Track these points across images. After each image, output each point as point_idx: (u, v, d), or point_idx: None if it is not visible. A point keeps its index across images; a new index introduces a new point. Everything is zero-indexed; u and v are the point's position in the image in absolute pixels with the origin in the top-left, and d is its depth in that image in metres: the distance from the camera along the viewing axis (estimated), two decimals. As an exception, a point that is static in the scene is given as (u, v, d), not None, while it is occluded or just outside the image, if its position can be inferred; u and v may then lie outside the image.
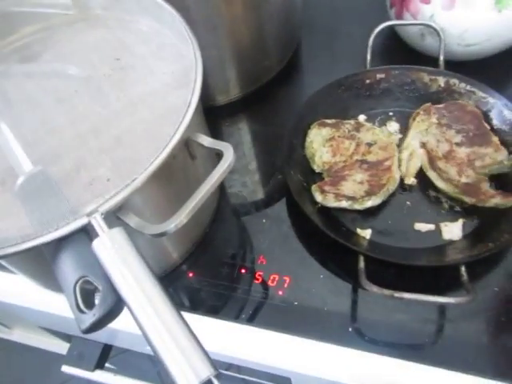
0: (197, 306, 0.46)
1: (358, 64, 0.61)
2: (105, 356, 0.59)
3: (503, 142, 0.50)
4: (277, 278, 0.46)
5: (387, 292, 0.37)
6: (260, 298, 0.45)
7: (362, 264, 0.41)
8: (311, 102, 0.56)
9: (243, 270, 0.47)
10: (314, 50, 0.69)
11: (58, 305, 0.49)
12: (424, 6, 0.56)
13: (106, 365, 0.59)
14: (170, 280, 0.47)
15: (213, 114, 0.62)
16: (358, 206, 0.48)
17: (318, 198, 0.48)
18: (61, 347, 1.10)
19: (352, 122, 0.55)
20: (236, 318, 0.44)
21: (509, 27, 0.55)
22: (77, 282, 0.26)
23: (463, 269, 0.40)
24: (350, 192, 0.48)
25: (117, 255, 0.27)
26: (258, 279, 0.46)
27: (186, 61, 0.38)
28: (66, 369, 0.57)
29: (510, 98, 0.53)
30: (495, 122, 0.52)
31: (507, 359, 0.38)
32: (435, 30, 0.55)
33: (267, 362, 0.44)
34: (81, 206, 0.30)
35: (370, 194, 0.48)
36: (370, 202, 0.48)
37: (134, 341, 0.56)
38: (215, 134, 0.63)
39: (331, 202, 0.48)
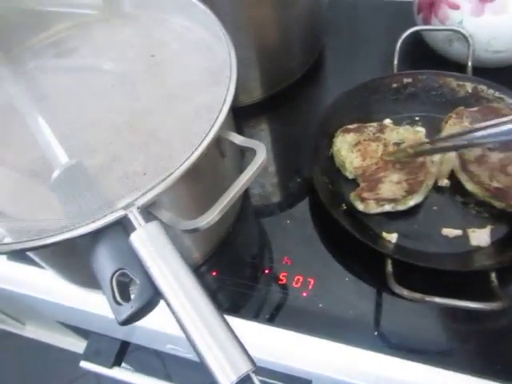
0: (221, 305, 0.46)
1: (383, 69, 0.61)
2: (122, 353, 0.59)
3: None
4: (301, 280, 0.46)
5: (418, 296, 0.36)
6: (284, 298, 0.45)
7: (389, 267, 0.41)
8: (337, 104, 0.56)
9: (267, 271, 0.47)
10: (339, 53, 0.69)
11: (80, 299, 0.50)
12: (453, 11, 0.56)
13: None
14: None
15: (236, 114, 0.63)
16: (401, 207, 0.48)
17: (360, 206, 0.48)
18: (73, 345, 1.10)
19: (374, 124, 0.55)
20: (259, 317, 0.44)
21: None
22: (113, 275, 0.27)
23: (493, 275, 0.39)
24: (389, 194, 0.48)
25: (154, 249, 0.27)
26: (282, 280, 0.46)
27: (220, 58, 0.39)
28: (84, 364, 0.57)
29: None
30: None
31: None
32: (464, 35, 0.55)
33: (289, 363, 0.43)
34: (116, 199, 0.31)
35: (410, 192, 0.47)
36: (413, 201, 0.47)
37: (152, 338, 0.56)
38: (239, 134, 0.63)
39: (373, 208, 0.48)
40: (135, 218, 0.28)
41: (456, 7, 0.56)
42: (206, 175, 0.40)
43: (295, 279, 0.46)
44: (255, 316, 0.45)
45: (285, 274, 0.47)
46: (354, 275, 0.45)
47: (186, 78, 0.38)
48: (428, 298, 0.36)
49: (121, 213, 0.29)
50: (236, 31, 0.54)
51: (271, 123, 0.65)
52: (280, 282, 0.46)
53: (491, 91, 0.54)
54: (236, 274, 0.48)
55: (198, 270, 0.48)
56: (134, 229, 0.28)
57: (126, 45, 0.40)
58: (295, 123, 0.63)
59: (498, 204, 0.46)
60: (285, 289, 0.46)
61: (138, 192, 0.30)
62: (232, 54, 0.37)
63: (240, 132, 0.63)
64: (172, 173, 0.31)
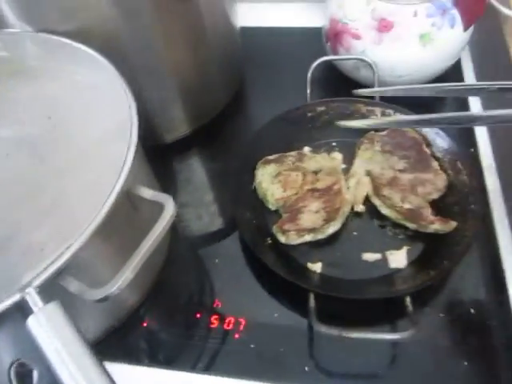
0: (153, 357, 0.45)
1: (302, 97, 0.63)
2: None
3: (442, 168, 0.52)
4: (232, 321, 0.46)
5: (335, 331, 0.37)
6: (216, 343, 0.45)
7: (312, 303, 0.42)
8: (256, 139, 0.57)
9: (198, 315, 0.47)
10: (259, 85, 0.70)
11: None
12: (355, 41, 0.59)
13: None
14: (123, 332, 0.46)
15: (162, 153, 0.63)
16: (320, 236, 0.49)
17: (281, 238, 0.48)
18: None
19: (293, 153, 0.56)
20: (193, 367, 0.44)
21: (433, 60, 0.58)
22: (11, 366, 0.25)
23: (408, 300, 0.41)
24: (309, 224, 0.49)
25: (52, 333, 0.25)
26: (213, 323, 0.46)
27: (124, 112, 0.38)
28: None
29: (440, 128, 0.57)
30: (432, 149, 0.54)
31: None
32: (368, 63, 0.58)
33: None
34: (16, 277, 0.29)
35: (328, 220, 0.49)
36: (331, 229, 0.49)
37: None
38: (165, 172, 0.63)
39: (294, 239, 0.48)
40: (32, 300, 0.27)
41: (358, 37, 0.59)
42: (121, 232, 0.39)
43: (227, 321, 0.46)
44: (191, 366, 0.44)
45: (216, 316, 0.46)
46: (282, 311, 0.46)
47: (88, 137, 0.37)
48: (345, 334, 0.37)
49: (16, 296, 0.27)
50: (151, 74, 0.55)
51: (198, 158, 0.65)
52: (212, 326, 0.46)
53: (397, 115, 0.57)
54: (167, 322, 0.47)
55: (130, 320, 0.47)
56: (31, 312, 0.27)
57: (23, 107, 0.38)
58: (222, 156, 0.63)
59: (410, 225, 0.48)
60: (217, 333, 0.45)
61: (36, 270, 0.29)
62: (133, 109, 0.37)
63: (168, 170, 0.64)
64: (72, 244, 0.30)
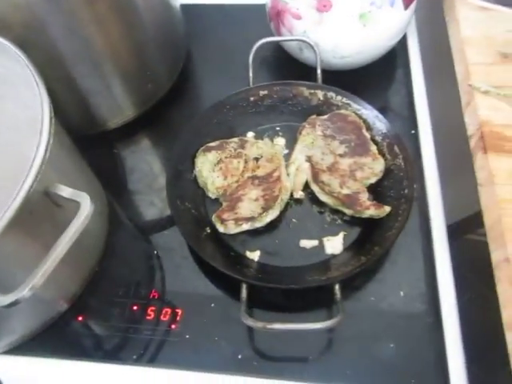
0: (89, 352, 0.45)
1: (246, 80, 0.62)
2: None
3: (380, 152, 0.53)
4: (169, 312, 0.46)
5: (260, 324, 0.38)
6: (153, 335, 0.45)
7: (244, 293, 0.42)
8: (197, 125, 0.56)
9: (135, 307, 0.47)
10: (204, 66, 0.68)
11: None
12: (296, 21, 0.57)
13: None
14: (58, 327, 0.46)
15: (106, 139, 0.61)
16: (258, 224, 0.49)
17: (220, 228, 0.48)
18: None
19: (235, 139, 0.55)
20: (129, 360, 0.44)
21: (375, 40, 0.57)
22: None
23: (337, 287, 0.42)
24: (247, 212, 0.49)
25: None
26: (150, 315, 0.46)
27: (36, 107, 0.36)
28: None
29: (382, 107, 0.57)
30: (372, 133, 0.54)
31: (381, 369, 0.41)
32: (310, 44, 0.57)
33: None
34: None
35: (266, 208, 0.49)
36: (269, 217, 0.49)
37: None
38: (110, 159, 0.61)
39: (232, 229, 0.48)
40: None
41: (298, 17, 0.57)
42: (43, 229, 0.38)
43: (163, 312, 0.46)
44: (127, 360, 0.44)
45: (153, 308, 0.46)
46: (219, 301, 0.46)
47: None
48: (269, 326, 0.38)
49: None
50: (85, 60, 0.52)
51: (143, 143, 0.64)
52: (148, 318, 0.46)
53: (339, 97, 0.56)
54: (104, 315, 0.46)
55: (65, 316, 0.46)
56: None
57: None
58: (168, 141, 0.61)
59: (347, 211, 0.49)
60: (154, 324, 0.45)
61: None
62: (45, 104, 0.35)
63: (112, 155, 0.62)
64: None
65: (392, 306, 0.45)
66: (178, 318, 0.45)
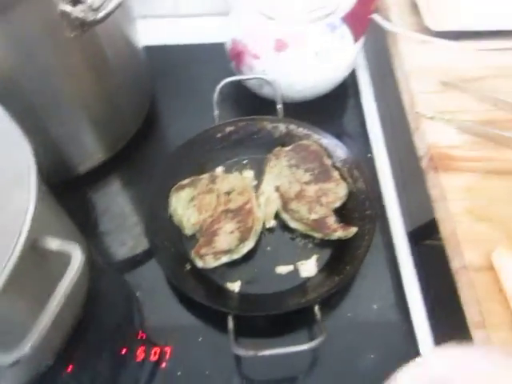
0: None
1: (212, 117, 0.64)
2: None
3: (343, 177, 0.57)
4: (158, 351, 0.47)
5: (251, 353, 0.40)
6: (144, 376, 0.46)
7: (230, 324, 0.44)
8: (168, 164, 0.58)
9: (124, 350, 0.47)
10: (170, 105, 0.70)
11: None
12: (256, 60, 0.61)
13: None
14: (46, 381, 0.46)
15: (78, 184, 0.62)
16: (236, 256, 0.51)
17: (199, 263, 0.50)
18: None
19: (206, 175, 0.58)
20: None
21: (329, 73, 0.62)
22: None
23: (316, 308, 0.45)
24: (224, 246, 0.51)
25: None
26: (139, 357, 0.47)
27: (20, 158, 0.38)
28: None
29: (339, 134, 0.61)
30: (333, 160, 0.58)
31: (364, 379, 0.44)
32: (268, 82, 0.61)
33: None
34: None
35: (242, 240, 0.51)
36: (246, 248, 0.51)
37: None
38: (82, 203, 0.62)
39: (211, 263, 0.50)
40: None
41: (257, 57, 0.61)
42: (30, 284, 0.39)
43: (152, 352, 0.47)
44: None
45: (143, 348, 0.47)
46: (206, 334, 0.48)
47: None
48: (260, 354, 0.40)
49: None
50: (58, 109, 0.54)
51: (116, 184, 0.65)
52: (138, 360, 0.47)
53: (300, 129, 0.60)
54: (93, 363, 0.47)
55: (52, 369, 0.46)
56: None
57: None
58: (139, 180, 0.63)
59: (317, 235, 0.52)
60: (144, 365, 0.46)
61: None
62: (31, 160, 0.36)
63: (84, 199, 0.63)
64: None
65: (367, 319, 0.48)
66: (167, 357, 0.47)
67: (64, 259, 0.44)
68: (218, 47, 0.74)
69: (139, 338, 0.48)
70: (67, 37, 0.48)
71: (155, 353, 0.47)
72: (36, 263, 0.39)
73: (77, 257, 0.36)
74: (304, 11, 0.59)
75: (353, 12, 0.60)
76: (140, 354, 0.47)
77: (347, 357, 0.46)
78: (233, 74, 0.65)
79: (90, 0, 0.47)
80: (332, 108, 0.68)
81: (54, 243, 0.38)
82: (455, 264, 0.41)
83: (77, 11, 0.46)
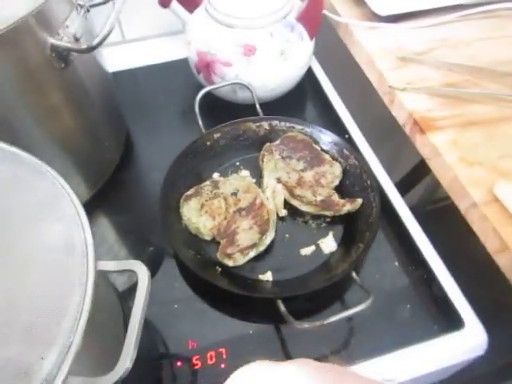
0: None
1: (193, 129, 0.66)
2: None
3: (334, 158, 0.62)
4: (214, 354, 0.48)
5: (318, 323, 0.42)
6: (208, 380, 0.46)
7: (282, 307, 0.46)
8: (168, 181, 0.58)
9: (179, 363, 0.47)
10: (147, 127, 0.71)
11: None
12: (228, 68, 0.65)
13: None
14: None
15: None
16: (262, 248, 0.53)
17: (229, 263, 0.51)
18: None
19: (208, 182, 0.60)
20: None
21: (294, 70, 0.68)
22: None
23: (354, 274, 0.49)
24: (248, 241, 0.53)
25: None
26: (196, 364, 0.47)
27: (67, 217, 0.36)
28: None
29: (314, 122, 0.66)
30: (320, 145, 0.63)
31: (402, 325, 0.49)
32: (245, 85, 0.64)
33: None
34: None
35: (262, 232, 0.53)
36: (268, 238, 0.54)
37: None
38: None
39: (241, 259, 0.52)
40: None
41: (229, 65, 0.64)
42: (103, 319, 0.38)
43: (208, 356, 0.48)
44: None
45: (197, 356, 0.48)
46: (255, 326, 0.50)
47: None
48: (326, 322, 0.42)
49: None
50: (45, 148, 0.52)
51: (105, 217, 0.63)
52: (196, 367, 0.47)
53: (282, 123, 0.64)
54: (152, 381, 0.46)
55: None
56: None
57: None
58: (128, 207, 0.63)
59: (328, 213, 0.56)
60: (204, 371, 0.47)
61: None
62: (86, 230, 0.36)
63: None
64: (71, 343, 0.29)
65: (393, 276, 0.53)
66: (224, 357, 0.48)
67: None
68: (179, 63, 0.77)
69: (190, 347, 0.48)
70: (49, 73, 0.48)
71: (211, 357, 0.48)
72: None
73: (143, 274, 0.36)
74: (263, 15, 0.63)
75: (305, 11, 0.66)
76: (196, 362, 0.47)
77: (388, 311, 0.50)
78: (198, 86, 0.67)
79: (73, 30, 0.48)
80: (300, 102, 0.73)
81: (111, 265, 0.38)
82: (464, 205, 0.47)
83: (64, 43, 0.46)
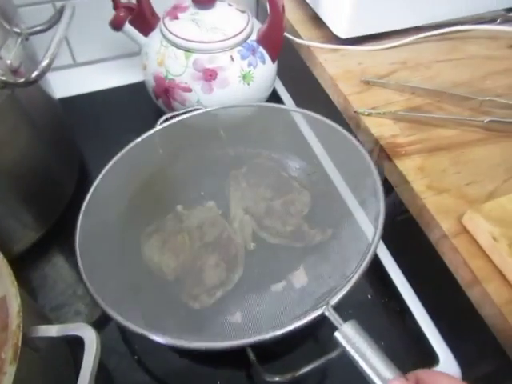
0: None
1: (156, 158, 0.62)
2: None
3: (302, 185, 0.59)
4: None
5: (289, 375, 0.39)
6: None
7: (252, 356, 0.42)
8: (124, 218, 0.54)
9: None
10: (98, 159, 0.66)
11: None
12: (187, 94, 0.62)
13: None
14: None
15: (17, 265, 0.55)
16: (229, 287, 0.49)
17: (196, 305, 0.48)
18: None
19: (170, 215, 0.56)
20: None
21: (256, 93, 0.65)
22: None
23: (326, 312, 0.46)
24: (215, 280, 0.49)
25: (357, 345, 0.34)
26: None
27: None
28: None
29: (287, 148, 0.64)
30: (288, 172, 0.61)
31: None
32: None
33: None
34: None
35: (230, 269, 0.50)
36: (236, 276, 0.50)
37: None
38: (27, 282, 0.55)
39: (208, 300, 0.48)
40: (334, 317, 0.36)
41: (189, 90, 0.61)
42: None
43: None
44: None
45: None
46: (226, 373, 0.46)
47: None
48: (297, 374, 0.39)
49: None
50: None
51: (61, 253, 0.59)
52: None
53: (248, 150, 0.62)
54: None
55: None
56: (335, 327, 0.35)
57: None
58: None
59: (298, 245, 0.54)
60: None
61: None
62: None
63: (29, 279, 0.56)
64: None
65: (367, 310, 0.51)
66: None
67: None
68: (133, 87, 0.73)
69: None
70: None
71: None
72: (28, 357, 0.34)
73: (91, 339, 0.32)
74: (222, 38, 0.60)
75: (266, 34, 0.64)
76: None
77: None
78: (158, 110, 0.64)
79: (8, 61, 0.43)
80: (264, 125, 0.71)
81: (53, 330, 0.34)
82: (434, 235, 0.46)
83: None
